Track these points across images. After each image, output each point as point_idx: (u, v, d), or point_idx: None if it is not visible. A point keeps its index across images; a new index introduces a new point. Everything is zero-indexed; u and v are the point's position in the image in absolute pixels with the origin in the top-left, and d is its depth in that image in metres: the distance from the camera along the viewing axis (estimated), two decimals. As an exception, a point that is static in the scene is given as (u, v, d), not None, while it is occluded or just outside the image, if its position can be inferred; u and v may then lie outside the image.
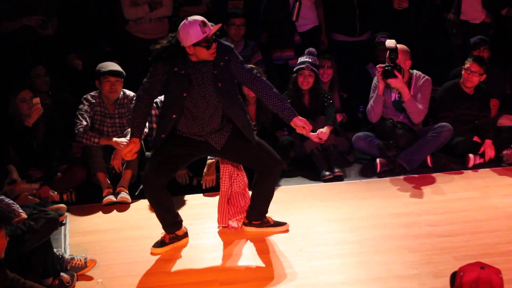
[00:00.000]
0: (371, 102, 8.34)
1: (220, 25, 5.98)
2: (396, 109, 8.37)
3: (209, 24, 5.83)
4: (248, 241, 6.46)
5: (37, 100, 7.34)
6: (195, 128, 6.08)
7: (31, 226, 5.47)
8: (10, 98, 7.42)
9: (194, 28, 5.75)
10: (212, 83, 5.97)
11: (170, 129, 6.07)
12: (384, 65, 8.03)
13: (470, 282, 3.80)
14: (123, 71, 7.74)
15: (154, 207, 6.37)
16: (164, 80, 6.00)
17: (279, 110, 6.18)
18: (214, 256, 6.21)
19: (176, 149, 6.11)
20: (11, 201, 6.05)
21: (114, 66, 7.75)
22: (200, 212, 7.13)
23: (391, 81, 8.07)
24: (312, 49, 8.45)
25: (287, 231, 6.62)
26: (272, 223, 6.66)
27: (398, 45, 8.05)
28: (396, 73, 7.98)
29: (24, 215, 5.86)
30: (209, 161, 7.54)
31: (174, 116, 6.01)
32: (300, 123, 6.13)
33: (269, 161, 6.30)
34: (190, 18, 5.82)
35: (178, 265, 6.11)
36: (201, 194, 7.55)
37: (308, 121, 7.97)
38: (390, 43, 7.95)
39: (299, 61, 8.43)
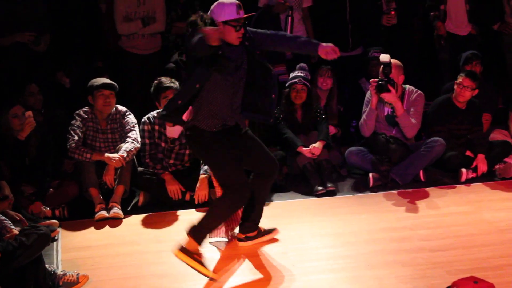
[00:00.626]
0: (364, 116, 8.36)
1: (253, 13, 6.03)
2: (388, 123, 8.38)
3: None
4: (242, 256, 6.43)
5: (29, 113, 7.34)
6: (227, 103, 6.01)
7: (23, 242, 5.46)
8: (1, 114, 7.41)
9: (231, 7, 5.77)
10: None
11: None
12: (378, 79, 8.05)
13: (463, 296, 3.80)
14: (116, 84, 7.74)
15: (222, 217, 6.23)
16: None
17: (303, 48, 6.18)
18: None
19: (229, 152, 6.05)
20: (3, 217, 6.04)
21: (106, 80, 7.77)
22: (192, 227, 7.11)
23: (385, 96, 8.08)
24: (303, 65, 8.49)
25: (277, 232, 6.69)
26: (263, 231, 6.64)
27: (391, 60, 8.07)
28: (390, 87, 8.00)
29: (15, 231, 5.85)
30: (201, 177, 7.54)
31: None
32: (328, 49, 5.99)
33: (271, 163, 6.30)
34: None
35: (172, 281, 6.09)
36: (194, 209, 7.52)
37: (301, 136, 8.05)
38: (384, 57, 7.97)
39: (291, 76, 8.45)
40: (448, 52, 9.55)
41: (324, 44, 5.97)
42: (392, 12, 9.24)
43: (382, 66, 8.02)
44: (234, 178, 5.99)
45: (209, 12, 5.84)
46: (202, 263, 5.91)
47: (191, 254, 5.91)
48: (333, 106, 8.90)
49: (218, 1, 5.86)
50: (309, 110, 8.45)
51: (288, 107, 8.37)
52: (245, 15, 5.84)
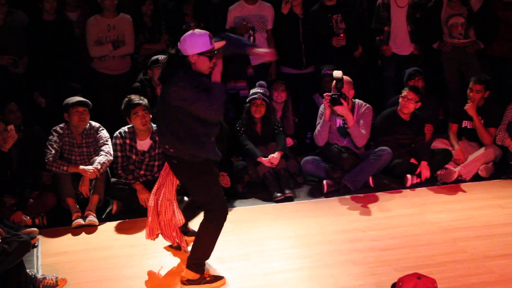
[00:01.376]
0: (318, 127, 8.40)
1: (224, 42, 5.90)
2: (340, 134, 8.44)
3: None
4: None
5: (11, 127, 7.30)
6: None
7: (5, 249, 5.43)
8: (-16, 130, 7.37)
9: (204, 38, 5.54)
10: None
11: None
12: (331, 93, 8.11)
13: (408, 290, 3.85)
14: (90, 102, 7.73)
15: (215, 239, 5.95)
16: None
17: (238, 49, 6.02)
18: (174, 273, 6.19)
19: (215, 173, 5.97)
20: (-14, 226, 6.00)
21: (80, 98, 7.74)
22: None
23: (337, 108, 8.14)
24: (262, 82, 8.54)
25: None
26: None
27: (343, 76, 8.14)
28: (342, 101, 8.06)
29: (-2, 239, 5.80)
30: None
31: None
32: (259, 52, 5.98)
33: None
34: (197, 30, 5.63)
35: (141, 282, 6.06)
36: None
37: (260, 147, 8.04)
38: (337, 73, 8.02)
39: (251, 92, 8.48)
40: (392, 70, 9.62)
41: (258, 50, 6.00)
42: (341, 35, 9.30)
43: (335, 81, 8.06)
44: (220, 198, 5.89)
45: (180, 43, 5.61)
46: (211, 281, 5.90)
47: (198, 281, 5.86)
48: (289, 117, 8.93)
49: (189, 33, 5.63)
50: (267, 123, 8.47)
51: (248, 121, 8.40)
52: (217, 44, 5.67)
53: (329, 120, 8.32)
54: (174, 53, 5.62)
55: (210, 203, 5.83)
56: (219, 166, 7.84)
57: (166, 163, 6.08)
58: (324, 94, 8.23)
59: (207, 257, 5.96)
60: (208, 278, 5.90)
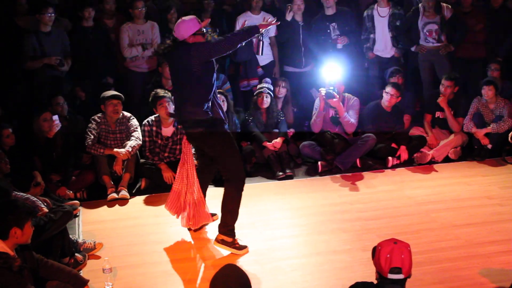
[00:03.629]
0: (314, 117, 8.39)
1: (208, 20, 5.90)
2: (333, 123, 8.43)
3: None
4: (216, 224, 6.29)
5: (55, 117, 7.35)
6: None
7: (51, 218, 5.47)
8: (34, 119, 7.37)
9: (192, 21, 5.63)
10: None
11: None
12: (325, 88, 8.11)
13: (385, 253, 3.84)
14: (122, 95, 7.73)
15: (239, 203, 5.94)
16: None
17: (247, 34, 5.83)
18: (195, 238, 6.22)
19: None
20: (35, 199, 6.00)
21: (114, 92, 7.75)
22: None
23: (331, 101, 8.13)
24: (267, 79, 8.54)
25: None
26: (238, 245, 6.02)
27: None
28: (335, 94, 8.06)
29: (45, 210, 5.81)
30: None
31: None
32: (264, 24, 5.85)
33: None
34: (185, 17, 5.71)
35: (165, 246, 6.11)
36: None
37: (265, 133, 8.03)
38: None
39: (258, 86, 8.48)
40: (376, 70, 9.58)
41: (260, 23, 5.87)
42: (339, 39, 9.22)
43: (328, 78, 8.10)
44: (240, 164, 5.92)
45: (175, 32, 5.68)
46: (239, 248, 5.90)
47: (230, 244, 5.88)
48: (288, 109, 8.90)
49: (179, 21, 5.69)
50: (271, 113, 8.46)
51: (255, 111, 8.38)
52: (204, 23, 5.74)
53: (323, 111, 8.31)
54: (171, 42, 5.68)
55: (235, 170, 5.83)
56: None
57: (186, 147, 6.06)
58: (320, 89, 8.22)
59: (236, 220, 5.95)
60: (237, 245, 5.91)
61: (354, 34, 9.44)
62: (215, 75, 5.79)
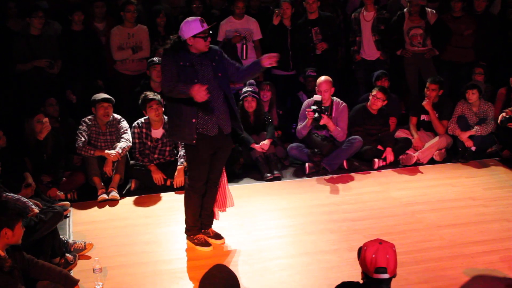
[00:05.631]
0: (300, 127, 8.33)
1: (215, 23, 5.85)
2: (317, 129, 8.37)
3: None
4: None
5: (46, 119, 7.32)
6: (208, 111, 5.63)
7: (42, 218, 5.46)
8: (26, 121, 7.34)
9: (195, 23, 5.52)
10: (212, 73, 5.67)
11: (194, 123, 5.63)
12: (313, 109, 8.03)
13: (371, 253, 3.86)
14: (113, 98, 7.72)
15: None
16: (175, 72, 5.55)
17: (252, 70, 5.88)
18: (181, 239, 6.20)
19: (205, 154, 5.75)
20: (26, 199, 5.98)
21: (105, 95, 7.73)
22: (172, 206, 7.08)
23: (321, 122, 8.08)
24: (252, 81, 8.47)
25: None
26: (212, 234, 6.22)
27: (324, 77, 8.19)
28: (323, 116, 8.03)
29: (36, 210, 5.78)
30: (179, 167, 7.51)
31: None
32: (268, 59, 5.67)
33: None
34: (190, 18, 5.63)
35: (156, 246, 6.10)
36: (173, 192, 7.50)
37: (253, 135, 8.02)
38: (317, 97, 8.02)
39: (243, 90, 8.45)
40: (362, 72, 9.61)
41: (262, 58, 5.70)
42: (318, 44, 9.23)
43: (315, 102, 8.06)
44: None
45: (179, 31, 5.59)
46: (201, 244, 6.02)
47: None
48: (273, 111, 8.91)
49: (185, 21, 5.60)
50: (259, 116, 8.45)
51: (243, 115, 8.34)
52: (208, 26, 5.62)
53: (310, 126, 8.23)
54: (177, 38, 5.61)
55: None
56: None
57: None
58: (307, 109, 8.12)
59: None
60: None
61: (336, 38, 9.49)
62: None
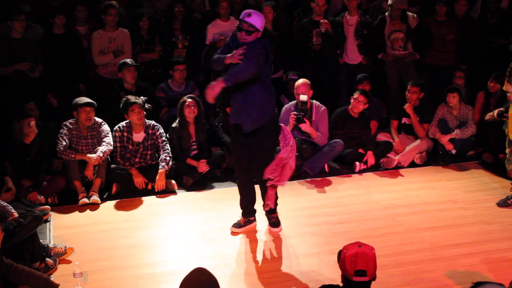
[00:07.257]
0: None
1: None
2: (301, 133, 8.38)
3: None
4: (186, 228, 6.44)
5: (33, 123, 7.26)
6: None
7: (21, 222, 5.41)
8: (14, 123, 7.25)
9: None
10: None
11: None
12: (297, 113, 8.01)
13: (350, 256, 3.86)
14: (95, 102, 7.67)
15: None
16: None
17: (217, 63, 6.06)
18: (163, 243, 6.20)
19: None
20: (5, 204, 5.93)
21: (87, 99, 7.66)
22: (154, 209, 7.06)
23: (302, 126, 8.01)
24: None
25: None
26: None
27: (302, 79, 8.13)
28: (306, 120, 8.01)
29: (16, 214, 5.74)
30: (160, 171, 7.47)
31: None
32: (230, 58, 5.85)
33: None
34: (254, 12, 5.78)
35: (136, 250, 6.07)
36: (155, 196, 7.45)
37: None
38: (303, 97, 7.96)
39: None
40: (343, 75, 9.62)
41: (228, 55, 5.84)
42: (316, 44, 9.25)
43: (301, 102, 8.00)
44: None
45: (257, 23, 5.70)
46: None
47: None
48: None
49: (259, 13, 5.79)
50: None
51: (224, 118, 8.33)
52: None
53: (292, 130, 8.19)
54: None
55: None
56: (200, 155, 7.85)
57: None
58: (291, 113, 8.12)
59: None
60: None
61: (338, 43, 9.51)
62: None
